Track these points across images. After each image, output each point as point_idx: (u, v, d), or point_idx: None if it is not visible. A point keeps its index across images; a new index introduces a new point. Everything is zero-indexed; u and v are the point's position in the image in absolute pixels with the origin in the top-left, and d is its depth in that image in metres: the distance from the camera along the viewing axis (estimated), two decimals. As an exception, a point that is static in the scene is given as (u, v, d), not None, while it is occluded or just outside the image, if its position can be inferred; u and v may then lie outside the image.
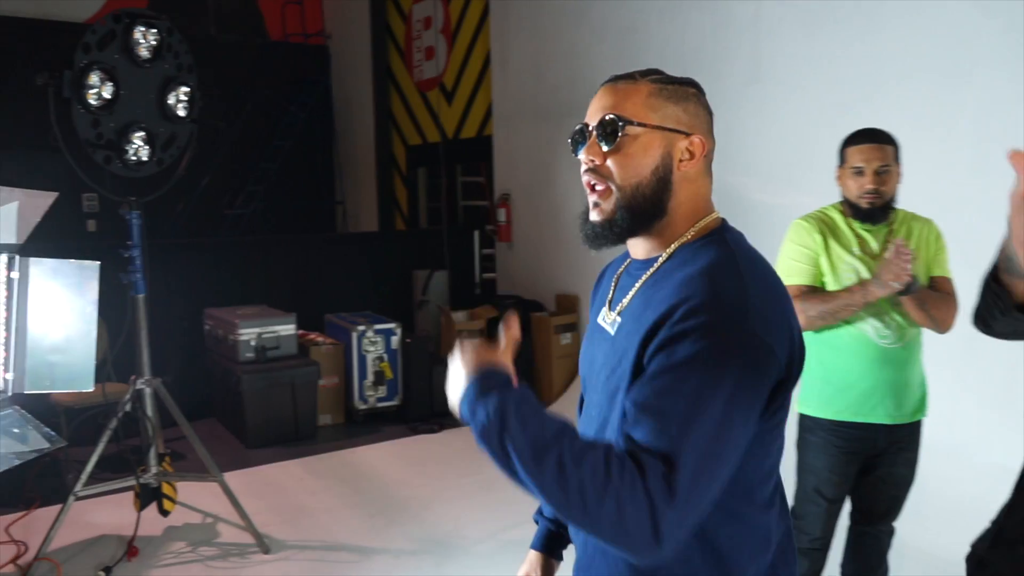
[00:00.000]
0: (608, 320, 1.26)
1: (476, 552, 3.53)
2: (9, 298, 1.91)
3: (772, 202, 4.25)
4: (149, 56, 3.18)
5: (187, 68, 3.35)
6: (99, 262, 2.07)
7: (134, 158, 3.22)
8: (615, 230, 1.19)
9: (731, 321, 1.04)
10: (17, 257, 1.92)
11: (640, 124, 1.17)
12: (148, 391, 3.51)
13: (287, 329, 5.32)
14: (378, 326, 5.55)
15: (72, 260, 2.01)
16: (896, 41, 3.66)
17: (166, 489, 3.66)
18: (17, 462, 1.78)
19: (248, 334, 5.18)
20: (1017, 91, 3.20)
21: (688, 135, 1.19)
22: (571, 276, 5.86)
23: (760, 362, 1.05)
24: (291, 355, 5.31)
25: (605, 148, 1.18)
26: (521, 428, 1.00)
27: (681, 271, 1.14)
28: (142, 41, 3.14)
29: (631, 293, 1.22)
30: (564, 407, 5.31)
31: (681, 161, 1.19)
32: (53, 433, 1.94)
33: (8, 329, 1.91)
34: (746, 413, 1.04)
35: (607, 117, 1.17)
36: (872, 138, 2.30)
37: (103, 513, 3.89)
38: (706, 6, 4.56)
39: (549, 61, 5.84)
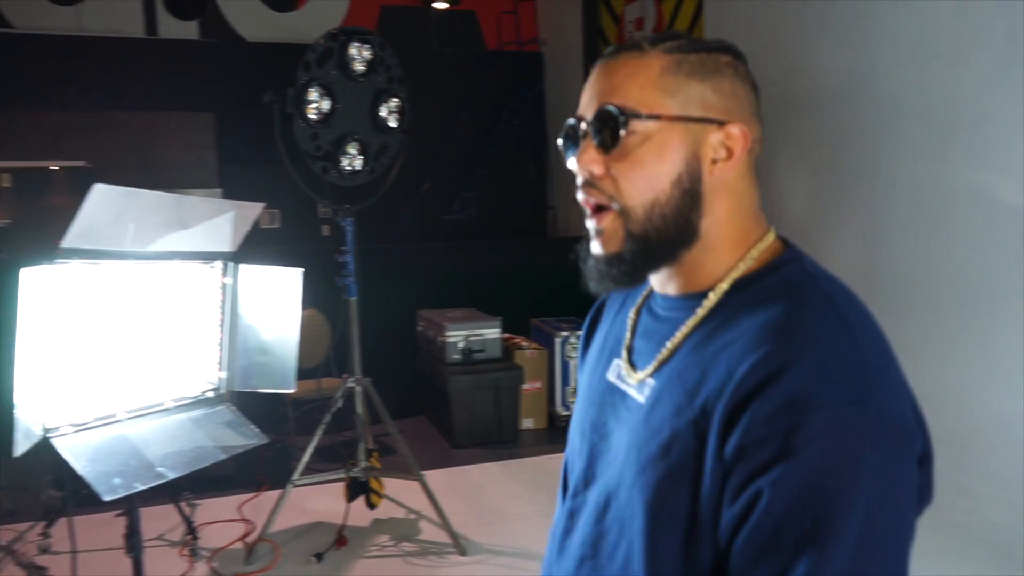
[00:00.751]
0: (632, 381, 0.92)
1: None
2: (223, 302, 2.06)
3: (1031, 205, 3.67)
4: (363, 70, 3.34)
5: (398, 80, 3.49)
6: (302, 269, 2.17)
7: (348, 168, 3.40)
8: (625, 268, 0.87)
9: (849, 399, 0.72)
10: (230, 263, 2.06)
11: (651, 116, 0.84)
12: (358, 389, 3.70)
13: (493, 333, 5.41)
14: (581, 332, 5.49)
15: (278, 267, 2.12)
16: None
17: (373, 484, 3.83)
18: (223, 456, 1.91)
19: (455, 336, 5.32)
20: None
21: (722, 124, 0.86)
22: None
23: (900, 454, 0.74)
24: (496, 358, 5.40)
25: (604, 152, 0.85)
26: None
27: (750, 317, 0.81)
28: (357, 57, 3.31)
29: (669, 347, 0.88)
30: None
31: (715, 162, 0.86)
32: (258, 430, 2.06)
33: (223, 331, 2.06)
34: (903, 534, 0.75)
35: (605, 108, 0.85)
36: None
37: (318, 500, 4.16)
38: (951, -16, 4.05)
39: (766, 55, 5.48)
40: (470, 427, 5.23)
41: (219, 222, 1.96)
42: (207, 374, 2.05)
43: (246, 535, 3.78)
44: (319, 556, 3.53)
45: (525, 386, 5.39)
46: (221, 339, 2.06)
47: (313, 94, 3.19)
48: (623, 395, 0.93)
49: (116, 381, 1.79)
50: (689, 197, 0.85)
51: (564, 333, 5.46)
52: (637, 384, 0.91)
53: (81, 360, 1.70)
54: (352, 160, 3.39)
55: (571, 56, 8.19)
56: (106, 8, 7.53)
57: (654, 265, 0.89)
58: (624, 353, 0.96)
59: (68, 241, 1.57)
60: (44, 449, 4.40)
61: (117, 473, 1.62)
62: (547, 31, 8.79)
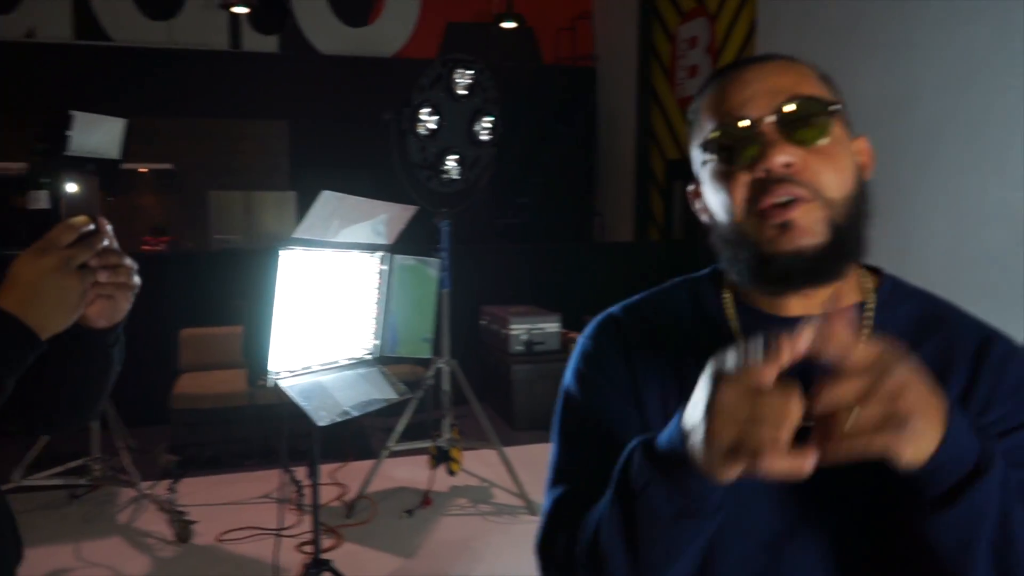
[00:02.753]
0: None
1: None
2: (380, 285, 2.58)
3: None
4: (465, 92, 3.86)
5: (492, 100, 4.01)
6: (440, 260, 2.69)
7: (447, 177, 3.92)
8: (830, 261, 0.83)
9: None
10: (387, 254, 2.59)
11: (836, 107, 0.84)
12: (446, 369, 4.21)
13: (552, 327, 5.93)
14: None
15: (421, 257, 2.64)
16: None
17: (454, 453, 4.35)
18: (383, 404, 2.42)
19: (519, 330, 5.84)
20: None
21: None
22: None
23: None
24: (555, 350, 5.90)
25: (801, 146, 0.81)
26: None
27: (910, 319, 0.92)
28: (460, 80, 3.82)
29: None
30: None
31: (862, 167, 0.89)
32: (404, 386, 2.57)
33: (378, 307, 2.58)
34: None
35: (806, 98, 0.82)
36: None
37: (403, 470, 4.68)
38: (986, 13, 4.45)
39: (813, 78, 5.91)
40: (529, 411, 5.75)
41: (381, 220, 2.48)
42: (366, 341, 2.58)
43: (341, 495, 4.31)
44: (410, 512, 4.05)
45: (581, 377, 5.86)
46: (377, 314, 2.58)
47: (423, 113, 3.71)
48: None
49: (311, 340, 2.31)
50: (864, 198, 0.86)
51: (618, 330, 5.92)
52: None
53: (292, 322, 2.22)
54: (451, 170, 3.91)
55: (624, 72, 8.67)
56: (196, 23, 8.17)
57: (845, 264, 0.86)
58: None
59: (298, 232, 2.09)
60: (163, 419, 4.96)
61: (322, 408, 2.13)
62: (602, 47, 9.28)
